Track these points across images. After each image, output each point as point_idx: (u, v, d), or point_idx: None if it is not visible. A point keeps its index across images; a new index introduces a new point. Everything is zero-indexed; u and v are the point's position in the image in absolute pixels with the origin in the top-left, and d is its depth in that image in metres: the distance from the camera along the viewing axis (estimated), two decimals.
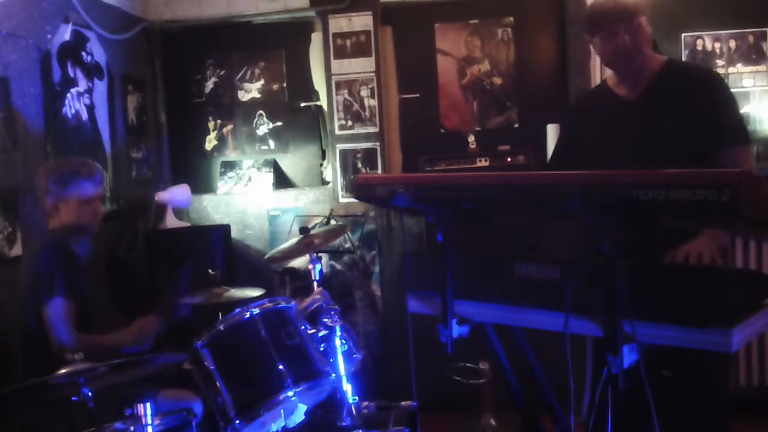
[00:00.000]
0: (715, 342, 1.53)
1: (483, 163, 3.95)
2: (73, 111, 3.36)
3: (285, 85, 4.33)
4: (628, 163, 2.29)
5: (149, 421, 1.95)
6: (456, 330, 1.97)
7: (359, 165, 4.10)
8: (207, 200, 4.28)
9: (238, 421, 2.26)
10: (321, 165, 4.33)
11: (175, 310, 2.77)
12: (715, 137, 2.32)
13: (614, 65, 2.50)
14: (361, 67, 4.07)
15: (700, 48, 3.91)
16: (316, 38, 4.22)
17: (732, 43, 3.91)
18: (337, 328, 2.65)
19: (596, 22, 2.43)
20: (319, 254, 3.26)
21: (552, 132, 3.97)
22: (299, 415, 2.45)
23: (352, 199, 3.99)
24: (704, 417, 2.38)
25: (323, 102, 4.21)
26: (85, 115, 3.48)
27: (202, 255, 3.76)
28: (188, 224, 4.14)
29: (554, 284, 1.76)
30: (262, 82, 4.35)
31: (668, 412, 2.30)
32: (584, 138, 2.58)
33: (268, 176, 4.29)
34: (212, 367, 2.32)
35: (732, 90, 2.50)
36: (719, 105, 2.37)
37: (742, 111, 2.45)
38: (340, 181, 4.13)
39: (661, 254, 2.22)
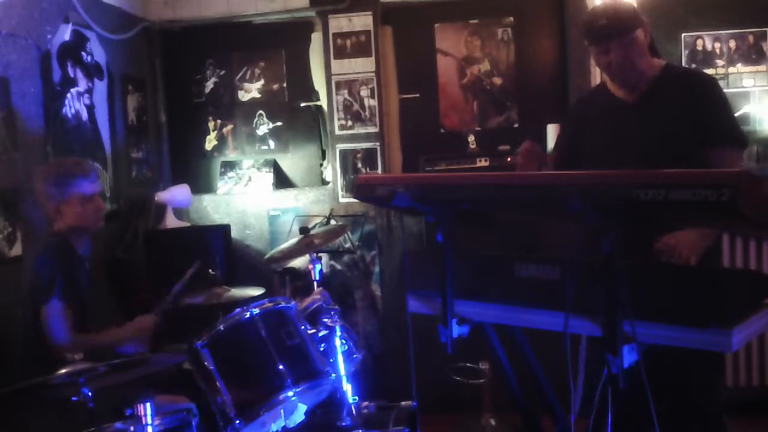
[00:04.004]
0: (715, 342, 1.53)
1: (483, 163, 3.96)
2: (73, 111, 3.37)
3: (285, 85, 4.33)
4: (624, 165, 2.31)
5: (149, 421, 1.95)
6: (456, 330, 1.97)
7: (359, 165, 4.10)
8: (207, 200, 4.28)
9: (238, 421, 2.25)
10: (321, 165, 4.33)
11: (170, 306, 2.77)
12: (706, 138, 2.34)
13: (609, 76, 2.50)
14: (361, 67, 4.07)
15: (700, 48, 3.91)
16: (316, 38, 4.22)
17: (732, 43, 3.91)
18: (337, 328, 2.65)
19: (589, 35, 2.42)
20: (319, 254, 3.26)
21: (552, 132, 3.97)
22: (299, 415, 2.45)
23: (352, 199, 3.99)
24: (698, 416, 2.38)
25: (323, 102, 4.21)
26: (85, 115, 3.48)
27: (203, 256, 3.76)
28: (188, 224, 4.14)
29: (554, 284, 1.76)
30: (262, 82, 4.35)
31: (662, 412, 2.31)
32: (582, 139, 2.59)
33: (268, 176, 4.29)
34: (212, 367, 2.32)
35: (731, 90, 2.52)
36: (712, 107, 2.39)
37: (737, 114, 2.45)
38: (340, 181, 4.13)
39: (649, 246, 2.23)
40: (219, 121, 4.40)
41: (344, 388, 2.61)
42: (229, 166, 4.36)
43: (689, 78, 2.49)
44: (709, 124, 2.36)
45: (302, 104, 4.30)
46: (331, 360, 2.60)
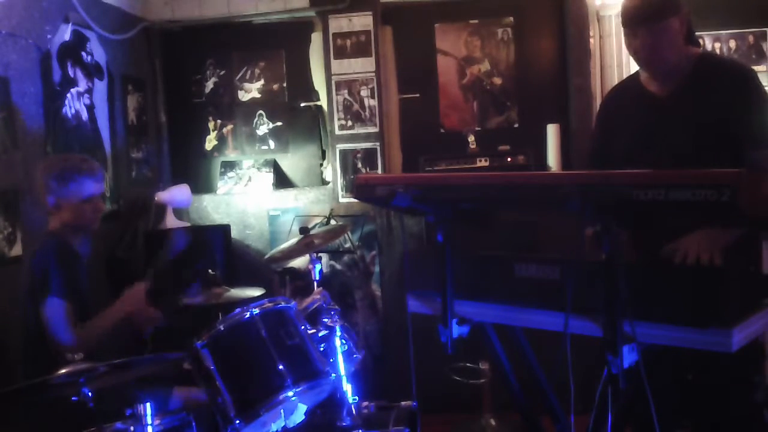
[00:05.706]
0: (715, 342, 1.53)
1: (483, 163, 3.95)
2: (73, 111, 3.36)
3: (285, 85, 4.33)
4: (656, 162, 2.26)
5: (149, 421, 1.95)
6: (456, 330, 1.97)
7: (359, 165, 4.10)
8: (207, 200, 4.27)
9: (238, 421, 2.25)
10: (321, 165, 4.32)
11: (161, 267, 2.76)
12: (748, 139, 2.19)
13: (636, 62, 2.38)
14: (361, 67, 4.07)
15: None
16: (316, 38, 4.22)
17: (732, 43, 3.91)
18: (337, 328, 2.65)
19: (623, 18, 2.30)
20: (319, 254, 3.26)
21: (552, 132, 3.97)
22: (299, 415, 2.44)
23: (352, 199, 3.99)
24: (738, 414, 2.26)
25: (323, 102, 4.21)
26: (85, 115, 3.48)
27: (203, 256, 3.76)
28: (188, 224, 4.14)
29: (554, 284, 1.76)
30: (262, 82, 4.35)
31: (700, 414, 2.27)
32: (614, 135, 2.46)
33: (268, 176, 4.30)
34: (212, 367, 2.32)
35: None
36: (749, 105, 2.23)
37: None
38: (340, 181, 4.13)
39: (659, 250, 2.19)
40: (219, 121, 4.40)
41: (344, 388, 2.60)
42: (229, 166, 4.36)
43: (725, 71, 2.32)
44: (746, 124, 2.21)
45: (302, 104, 4.30)
46: (331, 360, 2.60)
